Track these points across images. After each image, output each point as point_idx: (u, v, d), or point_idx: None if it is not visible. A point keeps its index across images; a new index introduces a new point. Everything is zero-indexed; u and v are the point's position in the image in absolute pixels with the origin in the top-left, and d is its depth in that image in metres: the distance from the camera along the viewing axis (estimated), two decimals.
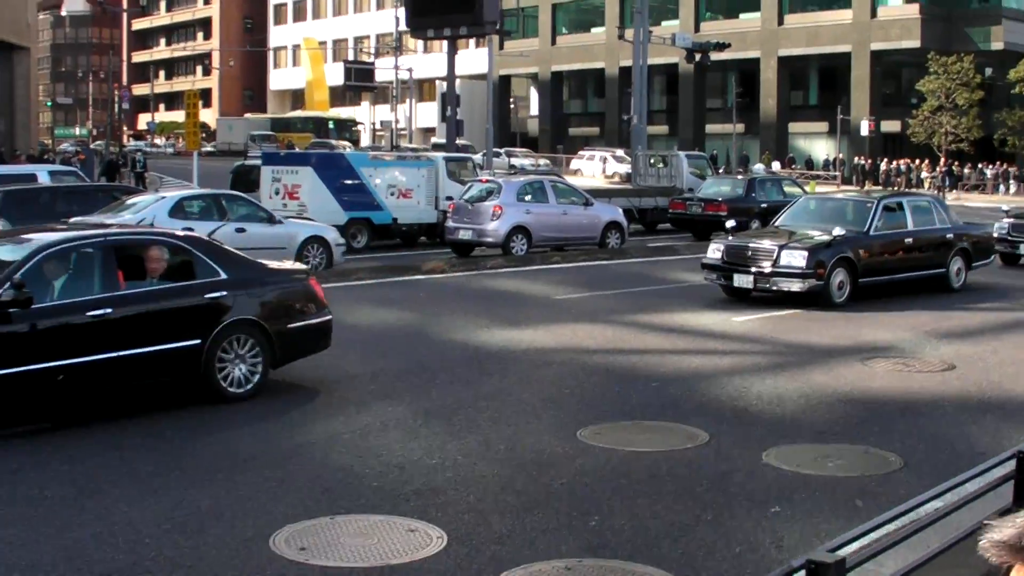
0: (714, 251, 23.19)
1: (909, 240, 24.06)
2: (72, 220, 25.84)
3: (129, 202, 27.42)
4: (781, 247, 22.24)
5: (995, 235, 29.49)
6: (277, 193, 34.83)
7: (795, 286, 21.90)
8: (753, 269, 22.28)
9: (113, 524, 9.38)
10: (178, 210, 26.43)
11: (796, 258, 21.99)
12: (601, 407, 13.66)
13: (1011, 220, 31.39)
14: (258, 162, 39.68)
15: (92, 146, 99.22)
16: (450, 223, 33.55)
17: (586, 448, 11.74)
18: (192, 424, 12.74)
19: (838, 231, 22.58)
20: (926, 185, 75.61)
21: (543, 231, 32.73)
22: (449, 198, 35.50)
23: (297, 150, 67.26)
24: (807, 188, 37.16)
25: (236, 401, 13.60)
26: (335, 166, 36.15)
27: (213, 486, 10.43)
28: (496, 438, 12.14)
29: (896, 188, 74.30)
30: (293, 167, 35.64)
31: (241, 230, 26.77)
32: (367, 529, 9.28)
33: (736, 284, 22.59)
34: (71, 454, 11.57)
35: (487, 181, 34.89)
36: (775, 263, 22.09)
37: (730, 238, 23.36)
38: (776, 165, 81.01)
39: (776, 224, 25.11)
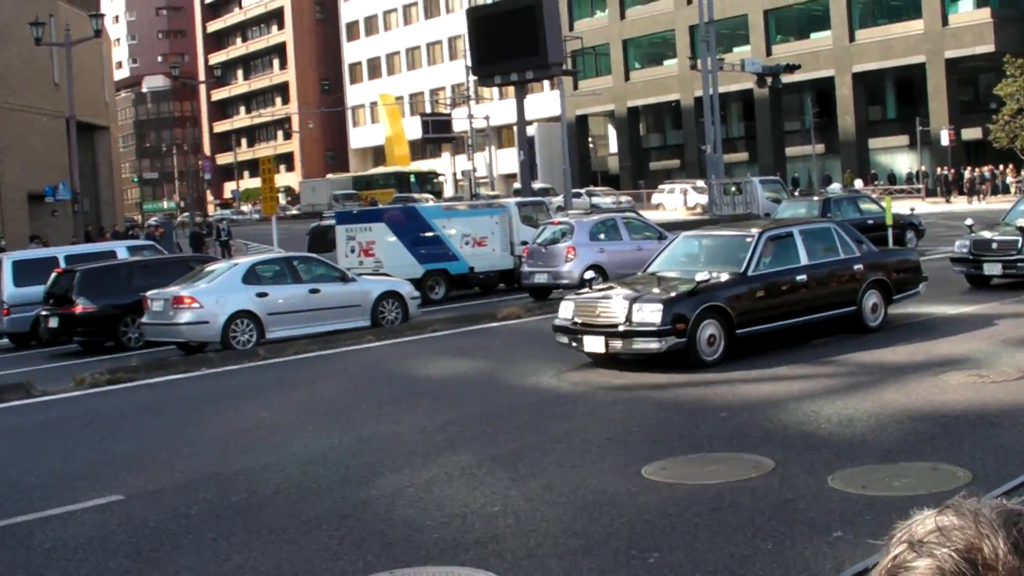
0: (565, 310, 20.13)
1: (802, 277, 20.43)
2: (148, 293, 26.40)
3: (205, 271, 27.78)
4: (632, 301, 18.97)
5: (956, 255, 26.96)
6: (353, 251, 35.07)
7: (652, 346, 18.57)
8: (605, 329, 19.06)
9: None
10: (251, 276, 26.71)
11: (649, 313, 18.63)
12: (668, 442, 13.56)
13: (973, 237, 27.18)
14: (333, 222, 40.01)
15: (180, 218, 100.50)
16: (525, 267, 33.61)
17: (649, 485, 11.67)
18: (260, 487, 12.82)
19: (702, 276, 19.19)
20: (1012, 190, 74.59)
21: (618, 268, 32.50)
22: (524, 243, 35.50)
23: (380, 206, 67.54)
24: (883, 204, 36.71)
25: None
26: (408, 220, 36.36)
27: (276, 548, 10.49)
28: (560, 481, 12.10)
29: (981, 196, 73.41)
30: (366, 224, 35.85)
31: (315, 291, 27.04)
32: None
33: (587, 349, 19.38)
34: (138, 523, 11.70)
35: (559, 223, 34.88)
36: (628, 320, 18.78)
37: (585, 291, 20.46)
38: (859, 183, 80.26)
39: (648, 269, 21.74)
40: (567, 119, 77.85)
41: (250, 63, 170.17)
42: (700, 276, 19.13)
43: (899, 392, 15.47)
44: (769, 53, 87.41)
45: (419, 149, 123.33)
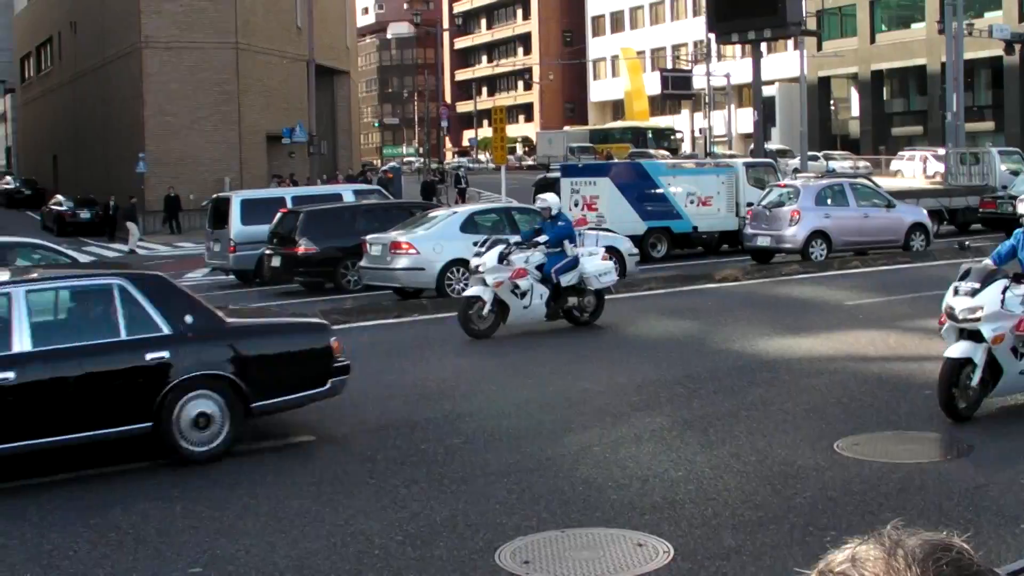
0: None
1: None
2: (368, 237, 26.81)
3: (425, 218, 28.05)
4: None
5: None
6: (576, 205, 35.02)
7: None
8: None
9: (348, 535, 9.60)
10: (469, 225, 26.87)
11: None
12: (866, 417, 13.18)
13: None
14: (559, 174, 40.02)
15: (417, 164, 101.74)
16: (748, 230, 33.16)
17: (839, 460, 11.36)
18: (450, 437, 12.86)
19: None
20: None
21: (843, 235, 31.96)
22: (750, 204, 35.00)
23: (616, 160, 67.38)
24: None
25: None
26: (633, 176, 36.15)
27: (456, 498, 10.53)
28: (748, 450, 11.87)
29: None
30: (591, 178, 35.81)
31: None
32: (595, 543, 9.22)
33: None
34: (320, 466, 11.86)
35: (786, 186, 34.29)
36: None
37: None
38: None
39: None
40: (808, 80, 76.47)
41: (493, 12, 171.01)
42: None
43: None
44: (1022, 19, 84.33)
45: (658, 105, 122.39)
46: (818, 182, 35.36)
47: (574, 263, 20.67)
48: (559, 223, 20.96)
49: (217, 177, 60.49)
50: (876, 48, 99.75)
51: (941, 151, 72.68)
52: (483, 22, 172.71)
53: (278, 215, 30.26)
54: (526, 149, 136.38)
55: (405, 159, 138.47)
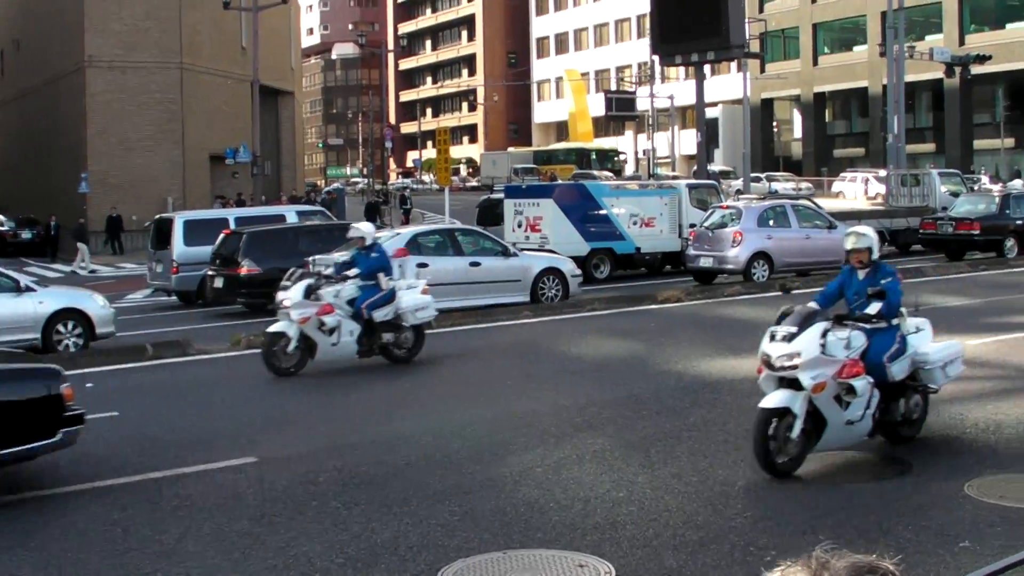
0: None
1: None
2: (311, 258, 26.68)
3: None
4: None
5: None
6: (520, 226, 35.15)
7: None
8: None
9: (289, 557, 9.54)
10: (412, 245, 26.86)
11: None
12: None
13: None
14: (502, 196, 40.13)
15: (361, 185, 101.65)
16: (691, 251, 33.40)
17: (780, 480, 11.42)
18: (391, 458, 12.85)
19: None
20: None
21: (785, 256, 32.22)
22: (693, 225, 35.21)
23: (559, 182, 67.48)
24: None
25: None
26: (576, 197, 36.33)
27: (397, 519, 10.50)
28: (690, 470, 11.92)
29: None
30: (535, 199, 35.92)
31: (476, 264, 27.09)
32: (536, 564, 9.21)
33: None
34: (266, 487, 11.81)
35: (728, 207, 34.52)
36: None
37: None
38: None
39: None
40: (752, 102, 77.01)
41: (438, 34, 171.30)
42: None
43: None
44: (962, 43, 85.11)
45: (602, 126, 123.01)
46: (760, 203, 35.59)
47: (389, 297, 19.54)
48: (373, 254, 19.74)
49: (160, 197, 60.27)
50: (818, 70, 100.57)
51: (882, 173, 73.35)
52: (428, 43, 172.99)
53: (221, 236, 30.18)
54: (470, 170, 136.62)
55: (349, 180, 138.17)
